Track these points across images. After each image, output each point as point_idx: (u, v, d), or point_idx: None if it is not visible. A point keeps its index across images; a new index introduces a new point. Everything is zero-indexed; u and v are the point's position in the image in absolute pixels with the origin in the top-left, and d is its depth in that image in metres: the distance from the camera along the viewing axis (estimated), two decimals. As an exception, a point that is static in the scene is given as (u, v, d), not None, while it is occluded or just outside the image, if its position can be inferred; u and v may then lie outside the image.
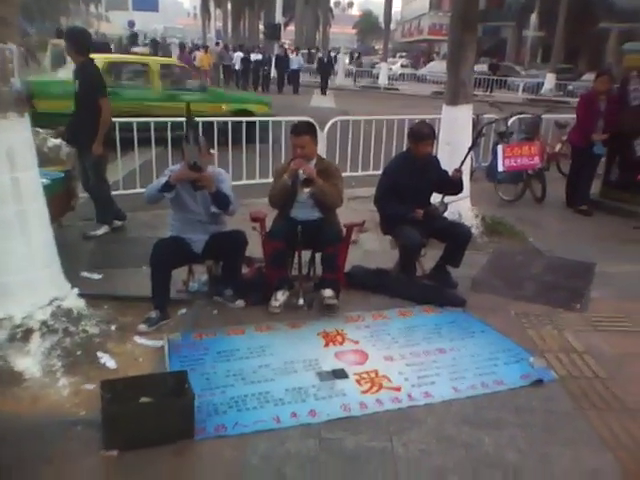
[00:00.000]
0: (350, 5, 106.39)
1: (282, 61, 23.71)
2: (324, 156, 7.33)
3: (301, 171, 4.09)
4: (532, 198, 7.55)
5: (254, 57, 24.93)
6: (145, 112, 8.00)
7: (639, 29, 23.66)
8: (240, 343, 3.74)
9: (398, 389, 3.29)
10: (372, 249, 5.47)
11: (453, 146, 5.88)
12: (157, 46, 19.40)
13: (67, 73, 9.53)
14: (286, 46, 28.68)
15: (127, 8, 40.98)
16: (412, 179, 4.57)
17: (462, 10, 5.93)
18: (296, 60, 23.89)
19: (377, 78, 29.93)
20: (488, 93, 23.38)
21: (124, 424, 2.69)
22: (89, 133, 5.25)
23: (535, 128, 8.15)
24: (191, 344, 3.69)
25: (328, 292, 4.19)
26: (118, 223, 5.75)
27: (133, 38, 18.75)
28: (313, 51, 32.36)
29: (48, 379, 3.20)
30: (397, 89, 27.99)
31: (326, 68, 24.08)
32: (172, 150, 6.73)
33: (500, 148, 6.96)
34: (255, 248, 4.40)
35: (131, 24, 40.53)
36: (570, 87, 25.23)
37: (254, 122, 7.58)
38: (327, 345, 3.77)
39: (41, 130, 5.61)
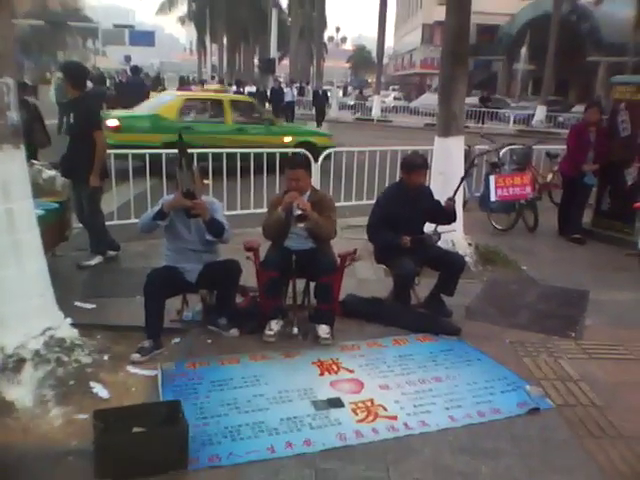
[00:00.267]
0: (343, 40, 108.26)
1: (277, 94, 24.01)
2: (318, 186, 7.44)
3: (296, 205, 4.11)
4: (525, 227, 7.60)
5: (248, 89, 25.26)
6: (218, 144, 8.43)
7: (627, 62, 24.12)
8: (234, 372, 3.71)
9: (394, 418, 3.27)
10: (366, 278, 5.48)
11: (446, 176, 5.94)
12: (159, 80, 19.83)
13: (149, 108, 11.24)
14: (280, 79, 29.05)
15: (124, 43, 41.60)
16: (405, 209, 4.61)
17: (453, 45, 6.07)
18: (290, 93, 24.24)
19: (370, 111, 30.30)
20: (480, 125, 23.64)
21: (116, 454, 2.66)
22: (84, 165, 5.28)
23: (526, 159, 8.26)
24: (185, 373, 3.66)
25: (323, 329, 4.19)
26: (112, 253, 5.75)
27: (158, 81, 19.20)
28: (304, 85, 32.70)
29: (40, 409, 3.17)
30: (390, 121, 28.31)
31: (321, 101, 24.38)
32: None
33: (492, 178, 7.04)
34: (249, 277, 4.40)
35: (127, 59, 41.06)
36: (560, 119, 25.58)
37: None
38: (322, 374, 3.75)
39: (36, 162, 5.65)
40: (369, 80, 63.67)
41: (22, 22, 40.52)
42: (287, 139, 11.07)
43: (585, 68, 32.85)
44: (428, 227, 4.90)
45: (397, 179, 5.00)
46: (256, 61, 49.99)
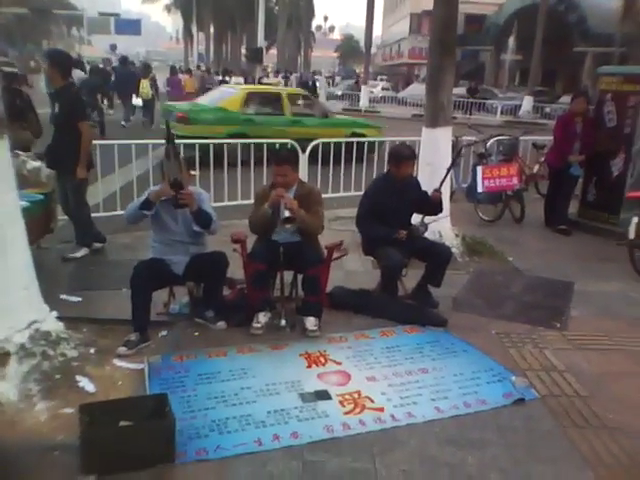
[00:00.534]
0: (331, 29, 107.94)
1: (265, 84, 23.87)
2: (306, 178, 7.41)
3: (283, 205, 4.08)
4: (511, 218, 7.64)
5: (235, 80, 25.01)
6: (276, 135, 8.73)
7: (614, 53, 24.23)
8: (221, 365, 3.71)
9: (381, 410, 3.28)
10: (354, 269, 5.48)
11: (433, 167, 5.94)
12: (149, 69, 19.79)
13: (214, 100, 11.74)
14: (269, 69, 28.89)
15: (109, 32, 41.04)
16: (392, 200, 4.61)
17: (440, 35, 6.05)
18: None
19: (358, 101, 30.22)
20: (467, 115, 23.67)
21: (103, 448, 2.65)
22: (69, 156, 5.23)
23: (513, 150, 8.28)
24: (172, 367, 3.65)
25: (311, 322, 4.19)
26: (97, 245, 5.71)
27: (148, 68, 19.49)
28: (288, 74, 32.41)
29: (25, 403, 3.14)
30: (378, 111, 28.27)
31: (310, 92, 24.09)
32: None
33: (479, 169, 7.07)
34: (236, 269, 4.39)
35: (113, 47, 40.68)
36: (547, 109, 25.68)
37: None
38: (310, 366, 3.75)
39: (21, 152, 5.58)
40: (357, 70, 63.46)
41: (6, 11, 39.91)
42: (336, 131, 11.34)
43: (572, 58, 32.95)
44: (415, 218, 4.91)
45: (385, 170, 4.99)
46: (243, 50, 49.63)
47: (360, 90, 30.24)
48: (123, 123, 16.30)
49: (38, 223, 5.03)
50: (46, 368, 3.40)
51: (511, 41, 31.44)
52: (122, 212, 6.38)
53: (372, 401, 3.36)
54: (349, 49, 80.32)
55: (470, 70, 40.01)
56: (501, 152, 8.12)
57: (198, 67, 34.95)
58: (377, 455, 2.90)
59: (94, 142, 5.63)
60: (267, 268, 4.21)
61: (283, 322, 4.28)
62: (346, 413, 3.23)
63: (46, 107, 9.62)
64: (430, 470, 2.81)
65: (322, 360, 3.84)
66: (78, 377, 3.41)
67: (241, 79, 25.06)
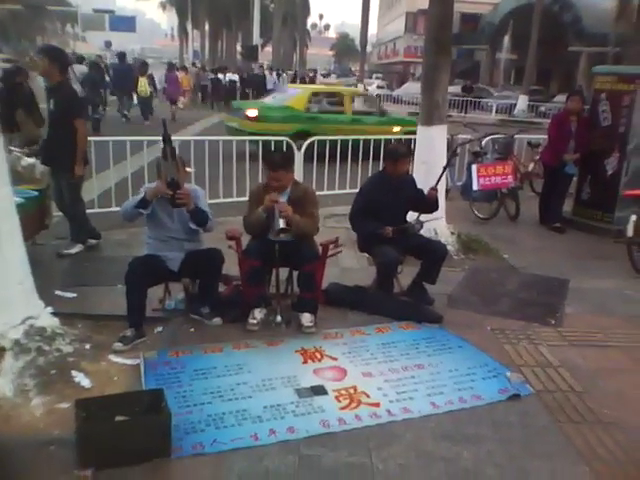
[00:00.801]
0: (327, 28, 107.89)
1: (259, 81, 23.68)
2: (301, 175, 7.42)
3: (277, 214, 4.06)
4: (506, 216, 7.66)
5: (229, 77, 24.81)
6: (338, 133, 9.01)
7: (608, 52, 24.31)
8: (217, 361, 3.71)
9: (377, 405, 3.29)
10: (350, 266, 5.49)
11: (428, 165, 5.95)
12: (146, 67, 19.95)
13: (281, 100, 12.37)
14: (264, 67, 28.74)
15: (104, 28, 40.88)
16: (388, 198, 4.62)
17: (436, 33, 6.06)
18: (272, 80, 23.88)
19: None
20: (462, 114, 23.72)
21: (99, 443, 2.64)
22: (65, 153, 5.20)
23: (508, 148, 8.31)
24: (167, 362, 3.65)
25: (307, 318, 4.20)
26: (92, 242, 5.69)
27: (145, 65, 19.81)
28: (280, 72, 32.22)
29: (21, 399, 3.14)
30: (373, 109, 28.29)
31: None
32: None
33: (474, 167, 7.08)
34: (232, 266, 4.39)
35: (108, 44, 40.47)
36: (542, 108, 25.74)
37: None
38: (305, 362, 3.76)
39: (15, 149, 5.57)
40: (352, 68, 63.47)
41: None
42: (396, 129, 11.91)
43: (567, 58, 33.05)
44: (411, 216, 4.92)
45: (380, 168, 5.00)
46: (239, 48, 49.54)
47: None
48: (125, 112, 16.78)
49: (33, 219, 5.02)
50: (41, 363, 3.39)
51: (506, 40, 31.50)
52: (117, 208, 6.39)
53: (368, 396, 3.37)
54: (344, 47, 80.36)
55: (465, 69, 40.05)
56: (496, 150, 8.15)
57: (194, 64, 34.89)
58: (373, 450, 2.90)
59: (89, 138, 5.60)
60: (262, 264, 4.21)
61: (279, 318, 4.28)
62: (342, 408, 3.24)
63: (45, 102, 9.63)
64: (426, 465, 2.82)
65: (318, 356, 3.84)
66: (74, 372, 3.41)
67: (236, 76, 24.87)
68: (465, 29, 40.34)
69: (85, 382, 3.34)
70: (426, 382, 3.58)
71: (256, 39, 34.78)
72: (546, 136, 7.76)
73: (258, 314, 4.20)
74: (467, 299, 4.94)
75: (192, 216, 4.01)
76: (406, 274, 4.84)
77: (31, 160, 5.51)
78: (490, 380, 3.63)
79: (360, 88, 21.44)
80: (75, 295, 4.52)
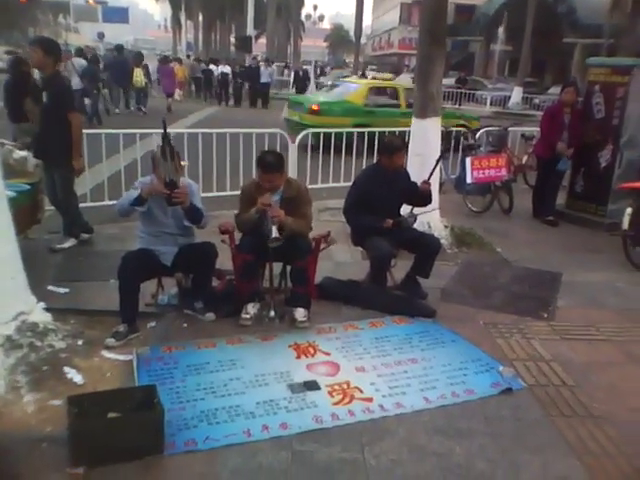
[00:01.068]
0: (321, 18, 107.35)
1: (253, 74, 23.40)
2: (295, 168, 7.41)
3: (270, 221, 4.04)
4: (500, 209, 7.67)
5: (221, 69, 24.56)
6: (394, 126, 8.92)
7: (602, 44, 24.28)
8: (210, 356, 3.71)
9: (370, 400, 3.30)
10: (343, 260, 5.49)
11: (423, 158, 5.94)
12: (142, 58, 20.05)
13: (340, 94, 12.82)
14: (259, 58, 28.47)
15: (97, 19, 40.61)
16: (382, 191, 4.61)
17: (430, 25, 6.04)
18: (266, 73, 23.55)
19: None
20: (457, 106, 23.67)
21: (91, 440, 2.64)
22: (58, 146, 5.16)
23: (502, 141, 8.31)
24: (160, 358, 3.64)
25: (300, 313, 4.19)
26: (85, 236, 5.66)
27: (139, 56, 20.03)
28: (270, 63, 31.87)
29: (13, 395, 3.13)
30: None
31: (302, 82, 23.57)
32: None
33: (468, 160, 7.08)
34: (225, 260, 4.38)
35: (100, 35, 40.18)
36: (536, 100, 25.73)
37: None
38: (299, 357, 3.76)
39: (6, 142, 5.53)
40: (347, 60, 63.22)
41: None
42: (447, 122, 12.12)
43: (561, 49, 33.00)
44: (404, 209, 4.92)
45: (374, 161, 4.98)
46: (232, 39, 49.26)
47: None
48: (117, 111, 17.08)
49: (25, 213, 4.99)
50: (33, 360, 3.38)
51: (501, 32, 31.40)
52: (110, 202, 6.40)
53: (361, 391, 3.38)
54: (339, 38, 79.92)
55: (460, 60, 40.01)
56: (490, 143, 8.15)
57: (188, 56, 34.73)
58: (366, 445, 2.91)
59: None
60: (255, 259, 4.20)
61: (272, 313, 4.27)
62: (335, 403, 3.25)
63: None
64: (418, 459, 2.83)
65: (311, 351, 3.84)
66: (66, 369, 3.40)
67: (227, 68, 24.62)
68: (460, 20, 40.22)
69: (77, 378, 3.33)
70: (419, 377, 3.59)
71: (250, 30, 34.55)
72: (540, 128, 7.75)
73: (251, 309, 4.20)
74: (460, 293, 4.95)
75: (187, 213, 4.00)
76: (399, 268, 4.84)
77: (23, 153, 5.47)
78: (482, 374, 3.64)
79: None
80: (67, 290, 4.51)
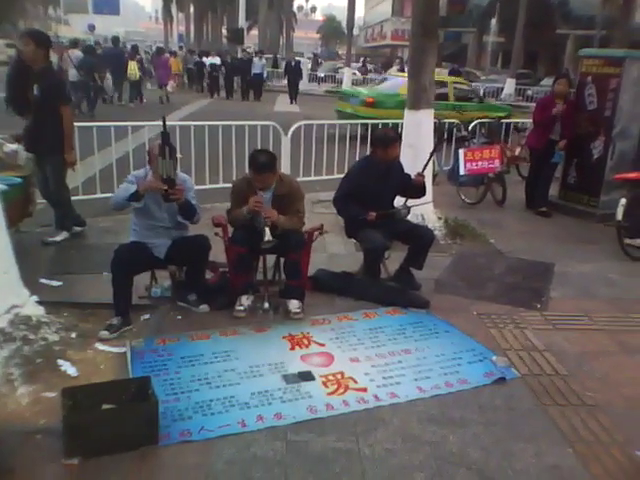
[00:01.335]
0: (313, 10, 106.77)
1: (245, 66, 23.22)
2: (288, 161, 7.39)
3: (263, 222, 4.04)
4: (493, 201, 7.69)
5: (211, 60, 24.38)
6: (442, 118, 9.16)
7: (595, 35, 24.32)
8: (205, 348, 3.71)
9: (364, 390, 3.31)
10: (337, 252, 5.49)
11: (416, 149, 5.95)
12: (136, 51, 20.26)
13: (392, 88, 12.96)
14: (249, 50, 28.30)
15: (87, 11, 40.33)
16: (375, 183, 4.61)
17: (422, 16, 6.02)
18: (259, 65, 23.39)
19: (341, 83, 30.05)
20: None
21: (86, 431, 2.64)
22: (50, 139, 5.13)
23: (495, 132, 8.32)
24: (154, 350, 3.64)
25: (294, 304, 4.20)
26: (77, 229, 5.64)
27: (135, 49, 20.40)
28: (261, 55, 31.55)
29: (6, 388, 3.12)
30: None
31: (295, 73, 23.34)
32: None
33: (461, 152, 7.09)
34: (219, 253, 4.37)
35: (91, 28, 39.89)
36: (529, 92, 25.75)
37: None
38: (293, 348, 3.77)
39: (-3, 135, 5.48)
40: (340, 52, 62.99)
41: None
42: (490, 114, 12.51)
43: (554, 41, 33.01)
44: (398, 201, 4.92)
45: (368, 153, 4.98)
46: (224, 31, 48.96)
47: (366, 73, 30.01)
48: (116, 96, 17.61)
49: (16, 207, 4.96)
50: (27, 352, 3.37)
51: (494, 23, 31.40)
52: (102, 195, 6.38)
53: (355, 382, 3.39)
54: (331, 30, 79.61)
55: (453, 52, 39.90)
56: (483, 135, 8.15)
57: (180, 48, 34.57)
58: (360, 435, 2.92)
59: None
60: (249, 252, 4.20)
61: (266, 305, 4.28)
62: (329, 394, 3.26)
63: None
64: (412, 448, 2.85)
65: (305, 342, 3.85)
66: (60, 361, 3.39)
67: (217, 59, 24.43)
68: (452, 12, 40.07)
69: (71, 371, 3.33)
70: (413, 367, 3.60)
71: (242, 22, 34.40)
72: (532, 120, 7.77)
73: (245, 301, 4.20)
74: (454, 284, 4.97)
75: (181, 209, 3.99)
76: (393, 259, 4.85)
77: (14, 146, 5.43)
78: (476, 364, 3.66)
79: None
80: (60, 283, 4.49)
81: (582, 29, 28.99)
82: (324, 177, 7.98)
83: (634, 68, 6.77)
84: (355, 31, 42.39)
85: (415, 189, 4.83)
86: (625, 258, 5.73)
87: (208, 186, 7.05)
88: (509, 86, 26.01)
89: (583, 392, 3.40)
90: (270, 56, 31.83)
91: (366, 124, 8.44)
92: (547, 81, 23.73)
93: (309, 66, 33.65)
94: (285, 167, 7.23)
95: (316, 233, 4.39)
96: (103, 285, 4.09)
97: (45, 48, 5.17)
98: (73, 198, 5.82)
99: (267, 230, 4.04)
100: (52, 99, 5.13)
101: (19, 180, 5.08)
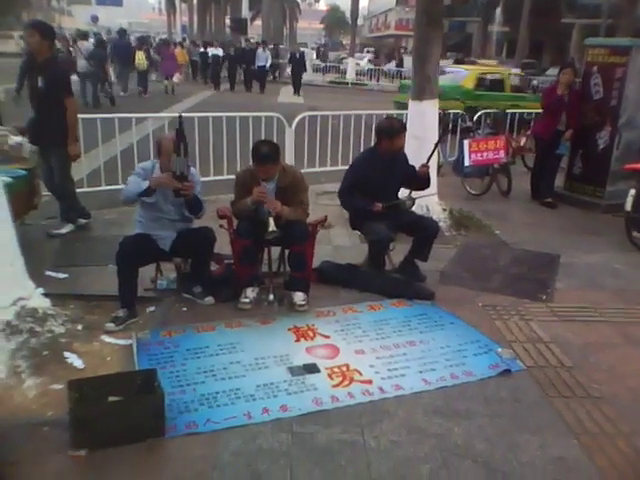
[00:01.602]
0: (317, 0, 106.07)
1: (248, 56, 23.06)
2: (292, 152, 7.37)
3: (267, 213, 4.04)
4: (498, 192, 7.66)
5: (213, 51, 24.21)
6: (498, 108, 9.71)
7: (601, 24, 24.11)
8: (210, 340, 3.72)
9: (369, 382, 3.31)
10: (342, 244, 5.49)
11: (420, 140, 5.92)
12: (143, 41, 20.41)
13: (453, 80, 13.75)
14: (252, 41, 28.17)
15: (90, 2, 40.21)
16: (379, 174, 4.59)
17: (427, 5, 5.99)
18: (263, 56, 23.20)
19: (345, 73, 29.94)
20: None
21: (92, 423, 2.65)
22: (54, 131, 5.13)
23: (500, 123, 8.28)
24: (160, 342, 3.65)
25: (299, 296, 4.20)
26: (82, 221, 5.65)
27: (141, 40, 20.59)
28: (257, 44, 31.23)
29: (14, 380, 3.14)
30: (366, 84, 28.09)
31: (298, 64, 23.17)
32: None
33: (466, 143, 7.07)
34: (224, 245, 4.37)
35: (94, 19, 39.81)
36: (534, 82, 25.56)
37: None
38: (298, 340, 3.77)
39: (1, 127, 5.48)
40: (344, 42, 62.70)
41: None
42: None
43: (559, 30, 32.76)
44: (402, 192, 4.91)
45: (372, 144, 4.96)
46: (227, 21, 48.74)
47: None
48: (122, 93, 17.34)
49: (21, 199, 4.96)
50: (34, 345, 3.38)
51: (498, 12, 31.16)
52: (106, 187, 6.38)
53: (360, 374, 3.39)
54: (335, 20, 79.12)
55: (457, 41, 39.67)
56: (488, 125, 8.11)
57: (184, 39, 34.53)
58: (365, 427, 2.93)
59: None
60: (253, 244, 4.19)
61: (271, 297, 4.28)
62: (334, 386, 3.26)
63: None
64: (418, 440, 2.85)
65: (310, 334, 3.85)
66: (66, 353, 3.41)
67: (220, 50, 24.32)
68: (457, 1, 39.79)
69: (78, 363, 3.34)
70: (418, 359, 3.60)
71: (245, 12, 34.27)
72: (537, 110, 7.72)
73: (250, 293, 4.20)
74: (459, 275, 4.96)
75: (188, 204, 4.00)
76: (398, 251, 4.84)
77: (19, 138, 5.43)
78: (481, 356, 3.66)
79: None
80: (66, 275, 4.51)
81: (588, 18, 28.76)
82: (329, 168, 7.96)
83: (641, 57, 6.71)
84: (359, 21, 42.13)
85: (420, 180, 4.81)
86: (631, 249, 5.71)
87: (212, 178, 7.04)
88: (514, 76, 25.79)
89: (588, 384, 3.40)
90: (270, 46, 31.71)
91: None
92: (552, 71, 23.55)
93: (313, 57, 33.53)
94: (289, 158, 7.22)
95: (319, 225, 4.38)
96: (108, 277, 4.10)
97: (50, 39, 5.16)
98: (78, 190, 5.82)
99: (271, 221, 4.03)
100: (56, 91, 5.12)
101: (24, 173, 5.09)
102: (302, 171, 4.74)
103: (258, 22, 47.21)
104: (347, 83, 28.17)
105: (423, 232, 4.67)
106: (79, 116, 5.67)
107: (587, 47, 7.33)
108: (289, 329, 3.90)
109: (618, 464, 2.76)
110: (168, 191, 3.95)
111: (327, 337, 3.82)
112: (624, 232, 5.87)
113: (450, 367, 3.52)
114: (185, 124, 6.64)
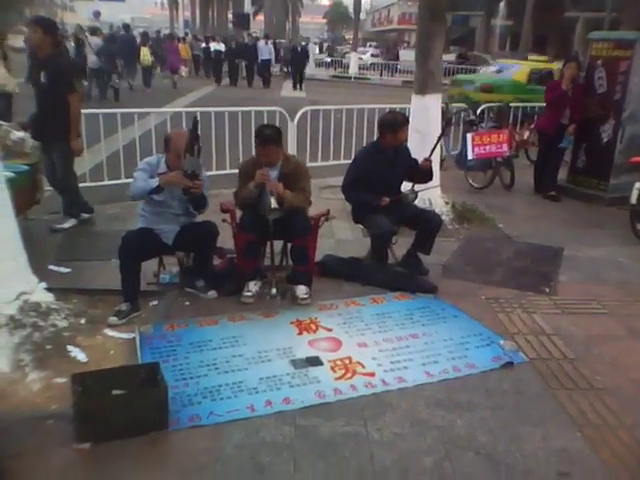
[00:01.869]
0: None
1: (250, 51, 22.93)
2: (295, 146, 7.37)
3: (269, 193, 4.05)
4: (501, 185, 7.64)
5: (215, 46, 24.13)
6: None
7: (605, 18, 23.98)
8: (213, 333, 3.72)
9: (372, 375, 3.32)
10: (344, 238, 5.49)
11: (423, 134, 5.91)
12: (147, 37, 20.54)
13: (504, 74, 14.50)
14: (254, 35, 28.05)
15: (92, -3, 40.10)
16: (382, 168, 4.59)
17: (429, 0, 5.95)
18: (266, 50, 23.08)
19: (347, 68, 29.86)
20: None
21: (96, 417, 2.66)
22: (57, 127, 5.13)
23: (503, 116, 8.25)
24: (163, 336, 3.66)
25: (302, 289, 4.20)
26: (85, 216, 5.66)
27: (146, 36, 20.74)
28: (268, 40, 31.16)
29: (18, 374, 3.15)
30: (368, 79, 28.02)
31: (301, 59, 23.02)
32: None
33: (469, 136, 7.05)
34: (226, 239, 4.38)
35: (97, 14, 39.68)
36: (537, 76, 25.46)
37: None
38: (301, 333, 3.78)
39: (3, 123, 5.49)
40: (346, 37, 62.50)
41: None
42: None
43: (563, 24, 32.56)
44: (405, 186, 4.90)
45: (375, 138, 4.95)
46: (230, 16, 48.62)
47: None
48: (131, 82, 17.90)
49: (24, 194, 4.98)
50: (37, 339, 3.39)
51: (502, 6, 31.03)
52: (109, 182, 6.39)
53: (363, 366, 3.40)
54: (338, 15, 78.84)
55: (460, 36, 39.51)
56: (491, 119, 8.09)
57: (186, 34, 34.48)
58: (368, 419, 2.93)
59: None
60: (256, 238, 4.20)
61: (274, 291, 4.29)
62: (337, 379, 3.27)
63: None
64: (420, 432, 2.85)
65: (313, 327, 3.86)
66: (70, 347, 3.42)
67: (221, 45, 24.22)
68: (460, -6, 39.64)
69: (81, 356, 3.36)
70: (420, 352, 3.60)
71: (247, 7, 34.19)
72: (541, 104, 7.69)
73: (253, 287, 4.21)
74: (462, 269, 4.96)
75: (194, 201, 4.01)
76: (401, 245, 4.83)
77: (21, 134, 5.43)
78: (484, 349, 3.66)
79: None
80: (69, 270, 4.52)
81: (592, 11, 28.58)
82: (331, 162, 7.95)
83: (645, 50, 6.67)
84: (362, 15, 41.98)
85: (422, 174, 4.80)
86: (635, 242, 5.70)
87: (215, 172, 7.03)
88: (517, 70, 25.71)
89: (591, 376, 3.39)
90: (270, 41, 31.69)
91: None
92: (556, 64, 23.42)
93: (316, 51, 33.47)
94: (292, 153, 7.20)
95: (322, 218, 4.38)
96: (111, 271, 4.11)
97: (52, 35, 5.17)
98: (80, 185, 5.83)
99: (273, 200, 4.04)
100: (59, 86, 5.12)
101: (26, 168, 5.10)
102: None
103: (261, 17, 47.14)
104: (350, 77, 28.09)
105: (426, 225, 4.66)
106: (82, 111, 5.67)
107: (591, 41, 7.30)
108: (292, 322, 3.91)
109: (621, 455, 2.76)
110: (175, 188, 3.94)
111: (330, 330, 3.83)
112: (628, 225, 5.86)
113: (453, 360, 3.52)
114: (188, 119, 6.66)
